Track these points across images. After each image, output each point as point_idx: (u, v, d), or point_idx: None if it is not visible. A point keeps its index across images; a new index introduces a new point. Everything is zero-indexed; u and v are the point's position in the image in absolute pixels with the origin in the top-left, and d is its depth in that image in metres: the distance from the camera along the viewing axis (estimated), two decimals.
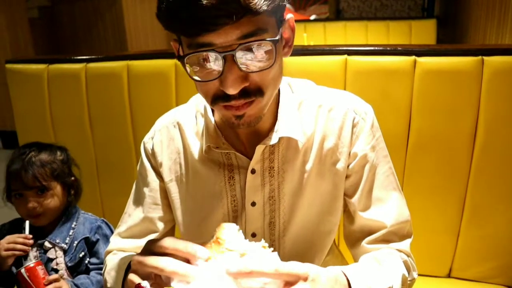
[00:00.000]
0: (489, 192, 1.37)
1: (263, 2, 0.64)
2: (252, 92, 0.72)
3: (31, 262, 1.26)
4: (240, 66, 0.68)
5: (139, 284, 0.66)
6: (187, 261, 0.66)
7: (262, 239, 0.69)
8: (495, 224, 1.39)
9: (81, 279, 1.36)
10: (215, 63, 0.69)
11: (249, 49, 0.67)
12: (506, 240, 1.40)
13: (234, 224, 0.69)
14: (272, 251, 0.66)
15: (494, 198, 1.37)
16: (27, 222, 1.35)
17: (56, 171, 1.39)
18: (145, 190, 0.98)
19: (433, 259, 1.48)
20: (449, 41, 5.02)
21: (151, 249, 0.70)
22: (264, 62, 0.69)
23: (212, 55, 0.68)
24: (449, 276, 1.50)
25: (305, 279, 0.63)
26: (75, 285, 1.33)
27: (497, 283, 1.45)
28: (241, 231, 0.69)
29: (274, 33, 0.70)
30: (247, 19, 0.65)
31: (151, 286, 0.66)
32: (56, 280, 1.27)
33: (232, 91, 0.69)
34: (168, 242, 0.68)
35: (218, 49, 0.67)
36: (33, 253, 1.35)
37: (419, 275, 1.48)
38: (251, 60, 0.68)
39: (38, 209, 1.35)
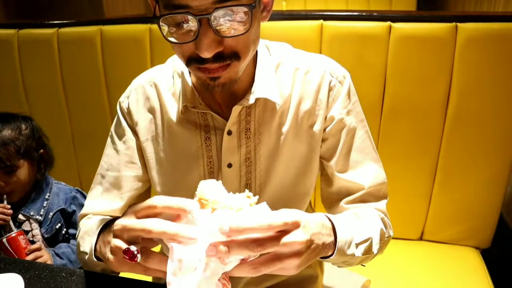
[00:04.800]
0: (461, 157, 1.40)
1: None
2: (228, 56, 0.71)
3: (12, 232, 1.26)
4: (215, 30, 0.67)
5: (128, 248, 0.62)
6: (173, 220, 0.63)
7: (246, 190, 0.68)
8: (466, 188, 1.44)
9: (62, 247, 1.36)
10: (190, 26, 0.68)
11: (225, 14, 0.66)
12: (476, 203, 1.45)
13: (214, 180, 0.66)
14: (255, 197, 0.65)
15: (466, 163, 1.41)
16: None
17: (21, 148, 1.32)
18: (121, 148, 0.96)
19: (405, 223, 1.52)
20: (429, 10, 5.01)
21: (135, 210, 0.66)
22: (240, 27, 0.68)
23: (187, 18, 0.67)
24: (421, 239, 1.55)
25: (297, 226, 0.63)
26: (56, 254, 1.33)
27: (468, 245, 1.51)
28: (221, 184, 0.66)
29: None
30: None
31: (138, 250, 0.62)
32: (37, 249, 1.27)
33: (206, 54, 0.68)
34: (156, 200, 0.64)
35: (194, 11, 0.66)
36: (13, 223, 1.33)
37: (392, 238, 1.53)
38: (226, 24, 0.67)
39: (7, 189, 1.32)
